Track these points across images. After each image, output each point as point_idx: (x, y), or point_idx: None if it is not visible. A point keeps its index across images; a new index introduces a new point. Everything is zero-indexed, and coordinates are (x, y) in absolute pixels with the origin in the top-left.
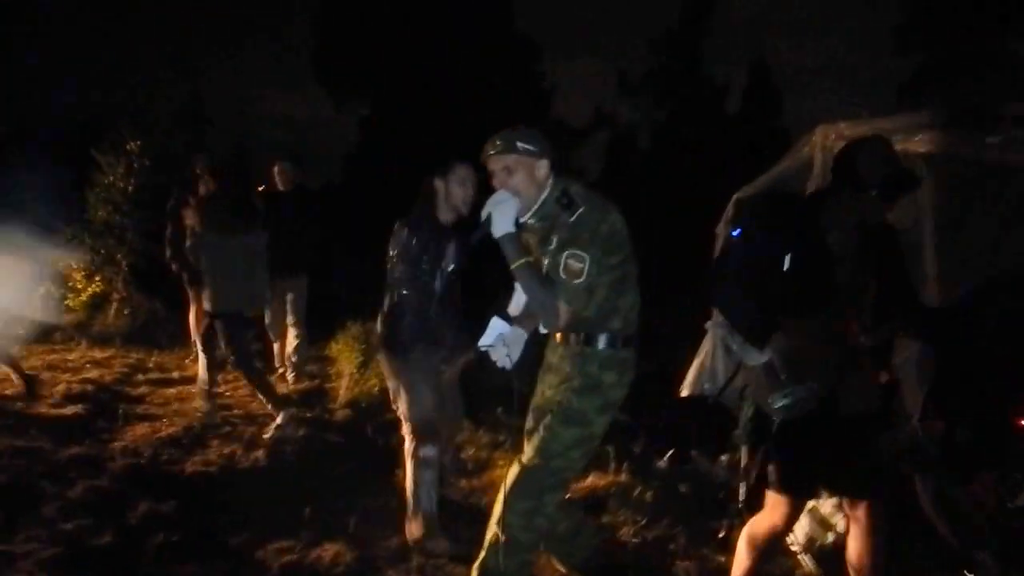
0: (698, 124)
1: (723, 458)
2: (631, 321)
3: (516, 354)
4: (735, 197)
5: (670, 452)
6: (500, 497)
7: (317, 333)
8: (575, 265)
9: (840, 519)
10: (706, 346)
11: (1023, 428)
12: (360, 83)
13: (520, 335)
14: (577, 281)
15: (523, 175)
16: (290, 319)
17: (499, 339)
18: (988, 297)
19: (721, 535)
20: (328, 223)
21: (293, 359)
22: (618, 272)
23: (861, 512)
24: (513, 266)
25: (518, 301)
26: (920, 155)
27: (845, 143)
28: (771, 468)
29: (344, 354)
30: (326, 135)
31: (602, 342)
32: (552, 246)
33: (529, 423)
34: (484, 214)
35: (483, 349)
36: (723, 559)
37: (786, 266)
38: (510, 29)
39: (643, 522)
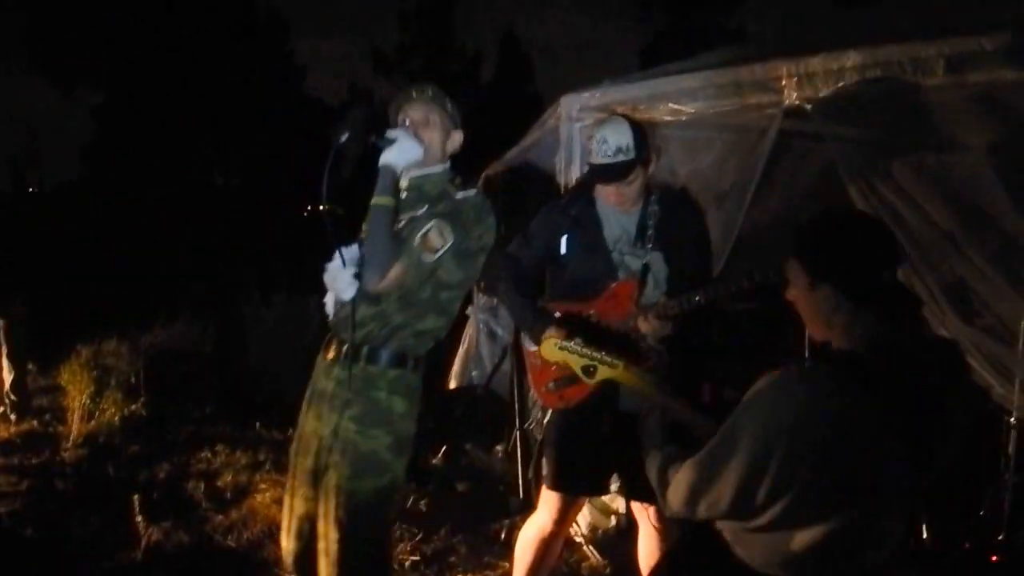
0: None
1: (499, 448)
2: (425, 344)
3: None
4: (484, 174)
5: (443, 448)
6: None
7: (48, 360)
8: (436, 239)
9: (621, 502)
10: (469, 331)
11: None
12: (89, 67)
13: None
14: (427, 256)
15: (439, 135)
16: (4, 350)
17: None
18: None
19: (503, 536)
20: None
21: (12, 397)
22: (456, 291)
23: (652, 515)
24: (377, 200)
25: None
26: (664, 123)
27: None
28: (544, 463)
29: (74, 383)
30: (53, 128)
31: (386, 358)
32: (420, 212)
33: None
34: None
35: None
36: (507, 564)
37: (563, 250)
38: (254, 6)
39: (419, 535)
